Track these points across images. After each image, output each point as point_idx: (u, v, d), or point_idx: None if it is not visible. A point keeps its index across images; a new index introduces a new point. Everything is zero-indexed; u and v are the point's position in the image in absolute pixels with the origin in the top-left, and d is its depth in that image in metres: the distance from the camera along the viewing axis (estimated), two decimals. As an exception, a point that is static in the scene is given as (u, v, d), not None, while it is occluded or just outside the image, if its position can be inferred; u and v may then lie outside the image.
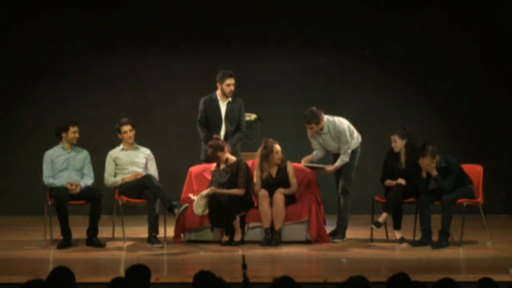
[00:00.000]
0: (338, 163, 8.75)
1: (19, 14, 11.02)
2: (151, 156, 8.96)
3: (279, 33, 11.07)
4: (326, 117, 8.74)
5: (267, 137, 8.86)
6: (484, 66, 11.14)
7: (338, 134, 8.70)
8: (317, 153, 8.88)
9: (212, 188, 8.61)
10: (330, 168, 8.78)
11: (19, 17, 11.03)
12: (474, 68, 11.16)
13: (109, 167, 8.86)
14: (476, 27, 11.08)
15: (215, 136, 8.78)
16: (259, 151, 8.79)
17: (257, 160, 8.79)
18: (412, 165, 8.60)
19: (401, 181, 8.55)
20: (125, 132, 8.87)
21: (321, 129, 8.71)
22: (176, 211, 8.36)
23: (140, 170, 8.85)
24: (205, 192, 8.59)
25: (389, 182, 8.67)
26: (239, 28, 11.12)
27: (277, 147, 8.73)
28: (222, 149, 8.65)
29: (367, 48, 11.08)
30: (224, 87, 9.02)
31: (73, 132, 8.72)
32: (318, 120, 8.65)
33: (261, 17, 11.11)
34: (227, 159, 8.71)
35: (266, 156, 8.71)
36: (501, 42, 11.12)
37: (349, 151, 8.74)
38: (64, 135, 8.73)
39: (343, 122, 8.77)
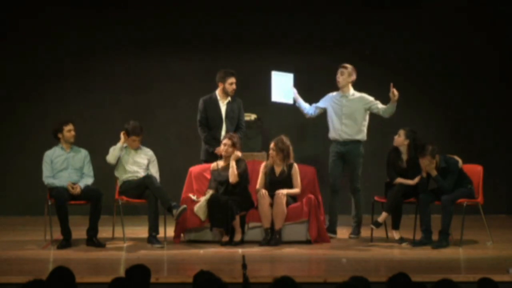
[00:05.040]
0: (389, 105, 9.09)
1: (19, 14, 11.01)
2: (153, 158, 8.97)
3: (279, 33, 11.06)
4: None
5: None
6: (485, 66, 11.13)
7: (369, 101, 9.09)
8: (308, 108, 9.26)
9: (209, 191, 8.64)
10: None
11: (19, 17, 11.02)
12: (474, 68, 11.14)
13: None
14: (476, 25, 11.07)
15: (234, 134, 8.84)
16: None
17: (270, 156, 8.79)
18: (412, 165, 8.60)
19: (409, 181, 8.55)
20: (134, 140, 8.86)
21: (348, 88, 9.09)
22: (175, 211, 8.37)
23: (141, 171, 8.86)
24: (208, 196, 8.59)
25: (400, 180, 8.63)
26: (239, 28, 11.11)
27: (272, 144, 8.76)
28: (234, 145, 8.72)
29: (367, 48, 11.08)
30: (227, 86, 9.05)
31: (68, 131, 8.72)
32: (352, 71, 9.08)
33: (261, 17, 11.10)
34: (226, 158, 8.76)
35: (282, 150, 8.73)
36: (503, 41, 11.11)
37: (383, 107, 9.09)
38: (60, 136, 8.75)
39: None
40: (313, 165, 9.21)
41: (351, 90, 9.17)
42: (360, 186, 9.13)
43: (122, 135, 8.86)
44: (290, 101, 9.30)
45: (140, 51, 11.12)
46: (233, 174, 8.61)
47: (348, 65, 9.15)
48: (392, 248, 8.42)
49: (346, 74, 9.11)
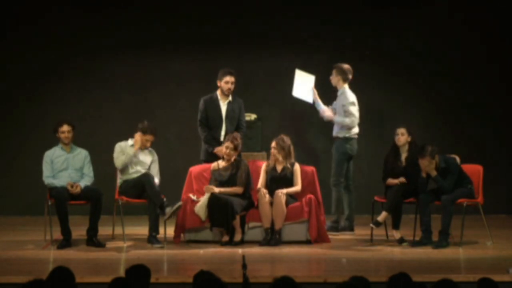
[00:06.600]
0: (336, 117, 9.15)
1: (20, 15, 11.01)
2: (155, 157, 8.96)
3: (279, 33, 11.06)
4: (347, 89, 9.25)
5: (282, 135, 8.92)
6: (485, 66, 11.13)
7: (344, 103, 9.14)
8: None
9: (209, 187, 8.62)
10: (326, 112, 9.24)
11: (19, 18, 11.02)
12: (474, 68, 11.14)
13: (118, 156, 8.84)
14: (476, 25, 11.06)
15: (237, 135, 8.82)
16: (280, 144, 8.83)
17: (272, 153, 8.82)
18: (412, 165, 8.60)
19: (402, 179, 8.55)
20: (148, 140, 8.85)
21: (340, 85, 9.21)
22: (168, 209, 8.38)
23: (143, 170, 8.83)
24: (208, 196, 8.58)
25: (390, 181, 8.66)
26: (239, 28, 11.11)
27: (274, 143, 8.77)
28: (236, 148, 8.71)
29: (367, 48, 11.08)
30: (223, 84, 9.04)
31: (61, 133, 8.72)
32: (341, 71, 9.21)
33: (261, 17, 11.09)
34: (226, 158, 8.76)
35: (283, 149, 8.75)
36: (503, 41, 11.10)
37: (346, 121, 9.10)
38: (57, 136, 8.77)
39: (353, 99, 9.19)
40: (312, 165, 9.22)
41: (342, 88, 9.26)
42: (342, 182, 9.18)
43: (137, 137, 8.81)
44: (310, 101, 9.41)
45: (140, 51, 11.11)
46: (236, 192, 8.65)
47: (337, 65, 9.26)
48: (392, 248, 8.42)
49: (333, 74, 9.29)
